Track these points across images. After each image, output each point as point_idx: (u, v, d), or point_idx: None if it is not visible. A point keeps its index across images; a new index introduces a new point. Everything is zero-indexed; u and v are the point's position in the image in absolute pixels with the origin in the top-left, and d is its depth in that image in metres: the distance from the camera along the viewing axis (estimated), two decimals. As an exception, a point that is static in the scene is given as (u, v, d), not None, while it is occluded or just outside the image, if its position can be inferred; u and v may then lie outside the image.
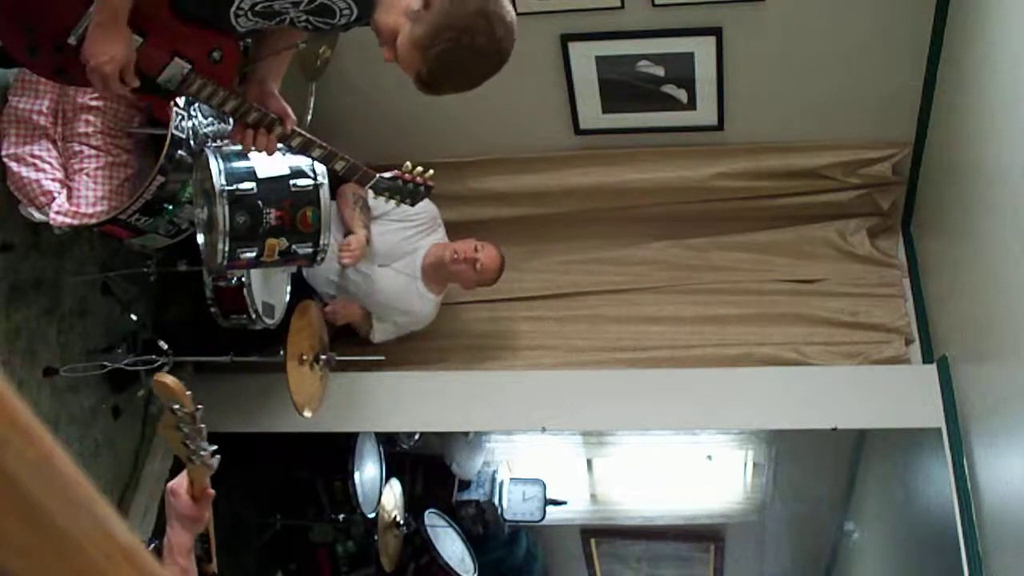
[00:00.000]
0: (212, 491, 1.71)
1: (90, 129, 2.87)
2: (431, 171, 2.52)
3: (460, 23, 1.82)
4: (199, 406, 1.58)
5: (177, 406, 1.56)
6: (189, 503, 1.68)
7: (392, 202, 2.56)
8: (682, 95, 3.75)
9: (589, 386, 3.68)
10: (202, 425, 1.60)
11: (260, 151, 2.23)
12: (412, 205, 2.59)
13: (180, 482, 1.70)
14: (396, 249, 3.65)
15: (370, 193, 3.66)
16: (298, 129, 2.21)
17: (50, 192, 2.80)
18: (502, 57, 1.91)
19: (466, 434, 4.69)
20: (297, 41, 2.17)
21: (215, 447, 1.66)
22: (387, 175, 2.53)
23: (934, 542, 3.46)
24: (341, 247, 3.42)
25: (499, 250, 3.64)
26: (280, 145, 2.63)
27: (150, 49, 1.95)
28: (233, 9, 1.90)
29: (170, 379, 1.55)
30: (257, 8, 1.91)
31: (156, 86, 2.01)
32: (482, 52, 1.85)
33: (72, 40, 1.92)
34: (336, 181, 2.97)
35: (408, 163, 2.55)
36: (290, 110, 2.19)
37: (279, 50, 2.17)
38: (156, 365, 3.20)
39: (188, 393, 1.56)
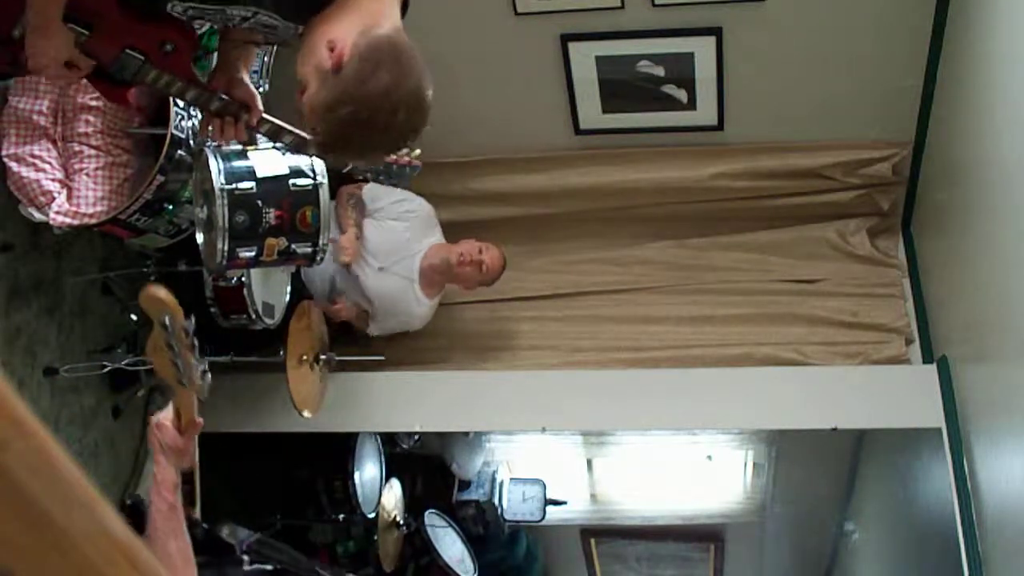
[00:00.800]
0: (200, 420, 1.65)
1: (90, 129, 2.87)
2: (417, 151, 2.47)
3: (362, 99, 1.73)
4: (191, 319, 1.49)
5: (168, 320, 1.46)
6: (175, 435, 1.63)
7: (386, 187, 2.48)
8: (682, 95, 3.74)
9: (589, 386, 3.68)
10: (195, 341, 1.51)
11: (230, 141, 2.19)
12: (398, 186, 2.54)
13: (166, 414, 1.64)
14: (393, 249, 3.65)
15: (366, 191, 3.70)
16: (266, 116, 2.16)
17: (50, 192, 2.80)
18: (405, 135, 1.87)
19: (466, 434, 4.68)
20: (257, 38, 2.12)
21: (204, 366, 1.58)
22: None
23: (934, 542, 3.45)
24: (337, 248, 3.44)
25: (501, 250, 3.65)
26: (279, 145, 2.64)
27: (100, 42, 1.93)
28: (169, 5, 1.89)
29: (162, 291, 1.45)
30: (189, 15, 1.90)
31: (110, 75, 2.00)
32: (377, 130, 1.79)
33: (16, 33, 1.92)
34: (336, 181, 2.97)
35: None
36: (258, 97, 2.13)
37: (242, 41, 2.14)
38: (156, 365, 3.19)
39: (180, 308, 1.47)
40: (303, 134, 2.19)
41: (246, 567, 1.74)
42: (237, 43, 2.14)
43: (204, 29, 2.18)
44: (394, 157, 2.44)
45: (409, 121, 1.82)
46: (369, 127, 1.77)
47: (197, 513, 1.78)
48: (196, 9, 1.86)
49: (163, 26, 1.94)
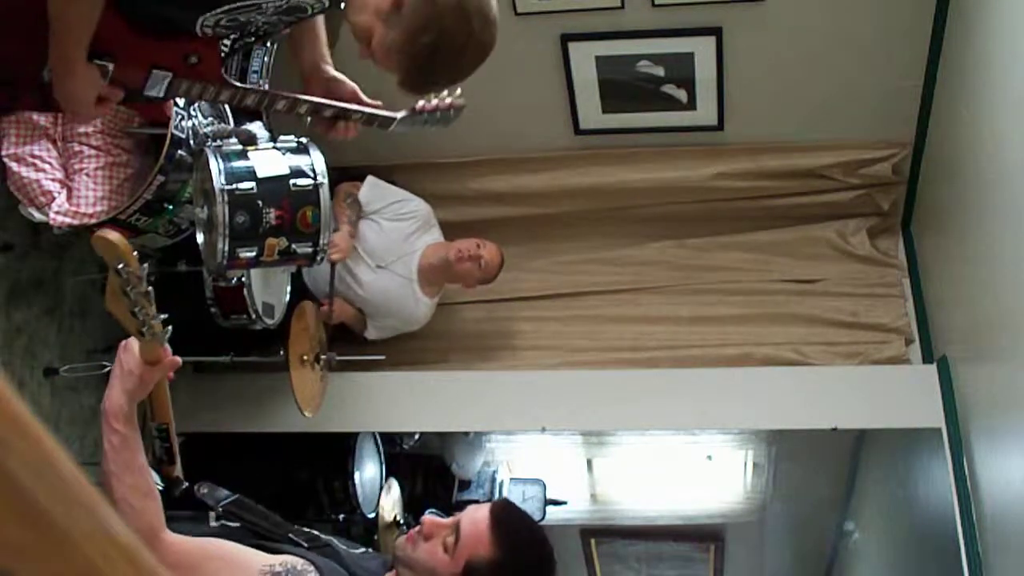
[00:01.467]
0: (175, 359, 1.60)
1: (90, 129, 2.87)
2: (458, 90, 2.33)
3: (436, 20, 1.71)
4: (145, 265, 1.46)
5: (122, 265, 1.43)
6: (135, 361, 1.57)
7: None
8: (682, 95, 3.74)
9: (589, 386, 3.68)
10: (150, 288, 1.47)
11: (340, 136, 2.17)
12: (446, 126, 2.45)
13: (134, 339, 1.58)
14: (392, 248, 3.64)
15: (363, 189, 3.69)
16: (357, 107, 2.13)
17: (50, 192, 2.80)
18: (484, 50, 1.83)
19: (466, 434, 4.68)
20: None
21: (165, 316, 1.53)
22: (403, 114, 2.39)
23: (934, 542, 3.45)
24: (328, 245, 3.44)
25: (498, 245, 3.66)
26: (280, 145, 2.64)
27: (126, 70, 1.94)
28: (199, 25, 1.88)
29: (113, 235, 1.42)
30: (222, 24, 1.90)
31: (145, 96, 2.01)
32: (458, 48, 1.76)
33: (47, 76, 1.91)
34: (334, 179, 2.96)
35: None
36: (358, 89, 2.12)
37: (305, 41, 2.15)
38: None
39: (135, 253, 1.44)
40: (343, 107, 2.17)
41: (212, 522, 1.70)
42: (298, 43, 2.12)
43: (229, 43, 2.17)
44: (436, 102, 2.36)
45: (485, 31, 1.78)
46: (451, 46, 1.75)
47: (179, 471, 1.74)
48: (230, 14, 1.84)
49: (180, 41, 1.95)
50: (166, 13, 1.88)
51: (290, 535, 1.68)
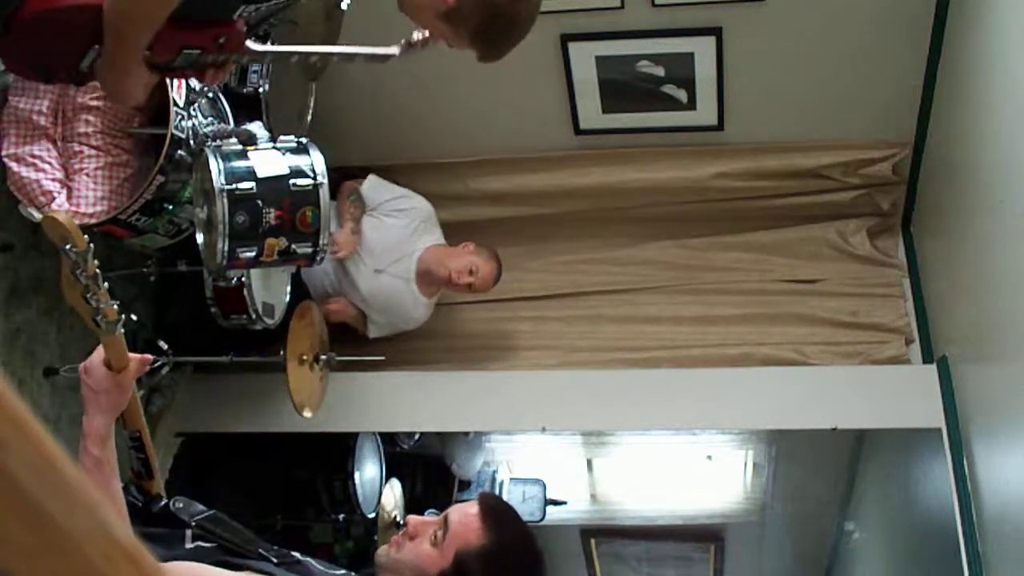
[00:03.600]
0: (145, 357, 1.57)
1: (90, 129, 2.87)
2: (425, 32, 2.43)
3: (492, 11, 1.86)
4: (91, 245, 1.45)
5: (68, 246, 1.42)
6: (103, 376, 1.55)
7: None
8: (682, 95, 3.74)
9: (589, 386, 3.68)
10: (98, 271, 1.46)
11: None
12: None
13: (94, 358, 1.57)
14: (392, 247, 3.65)
15: (365, 185, 3.69)
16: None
17: (50, 192, 2.80)
18: (536, 9, 2.00)
19: (466, 434, 4.68)
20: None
21: (117, 302, 1.52)
22: (398, 50, 2.38)
23: (934, 542, 3.46)
24: (332, 243, 3.45)
25: (495, 262, 3.64)
26: (280, 145, 2.64)
27: (158, 54, 1.96)
28: (239, 12, 1.91)
29: (60, 214, 1.41)
30: (261, 9, 1.93)
31: (173, 68, 2.03)
32: (518, 18, 1.94)
33: (84, 66, 1.94)
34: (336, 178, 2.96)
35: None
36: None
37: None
38: (156, 365, 3.20)
39: (85, 237, 1.43)
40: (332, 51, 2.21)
41: (187, 543, 1.69)
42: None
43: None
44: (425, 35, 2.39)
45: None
46: (512, 21, 1.93)
47: (159, 487, 1.73)
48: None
49: (216, 27, 1.97)
50: (212, 5, 1.92)
51: (260, 551, 1.65)
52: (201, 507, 1.74)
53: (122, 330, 1.54)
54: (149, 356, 1.61)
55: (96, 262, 1.47)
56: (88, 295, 1.47)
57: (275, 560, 1.62)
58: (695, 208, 4.01)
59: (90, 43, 1.88)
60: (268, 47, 2.14)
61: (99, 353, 1.58)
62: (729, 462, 5.49)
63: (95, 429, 1.56)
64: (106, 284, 1.48)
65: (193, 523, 1.68)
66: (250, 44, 2.07)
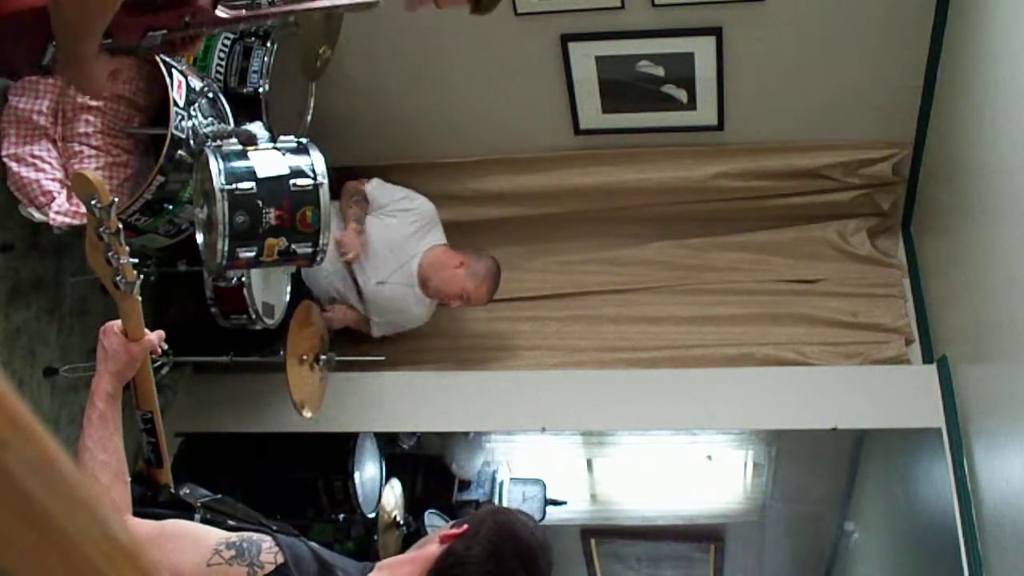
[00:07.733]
0: (151, 337, 1.63)
1: (90, 129, 2.87)
2: None
3: None
4: (115, 199, 1.53)
5: (94, 201, 1.49)
6: (119, 340, 1.62)
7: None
8: (682, 95, 3.74)
9: (589, 386, 3.68)
10: (120, 227, 1.54)
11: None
12: None
13: (115, 322, 1.64)
14: (393, 249, 3.65)
15: (371, 186, 3.70)
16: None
17: (50, 192, 2.80)
18: None
19: (466, 434, 4.68)
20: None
21: (136, 260, 1.59)
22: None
23: (934, 542, 3.45)
24: (338, 245, 3.46)
25: (488, 283, 3.65)
26: (280, 146, 2.64)
27: (119, 38, 1.95)
28: None
29: (90, 172, 1.49)
30: None
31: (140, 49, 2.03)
32: None
33: (46, 62, 1.94)
34: (337, 181, 2.96)
35: None
36: None
37: None
38: (156, 365, 3.19)
39: (114, 201, 1.51)
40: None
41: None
42: None
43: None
44: None
45: None
46: None
47: (168, 477, 1.77)
48: None
49: (178, 8, 1.96)
50: None
51: (262, 522, 1.70)
52: (205, 491, 1.78)
53: (139, 297, 1.62)
54: (162, 334, 1.66)
55: (117, 220, 1.54)
56: (110, 255, 1.53)
57: (275, 528, 1.67)
58: (695, 208, 4.01)
59: (46, 40, 1.88)
60: (241, 12, 2.11)
61: (119, 321, 1.64)
62: (729, 462, 5.48)
63: (102, 387, 1.63)
64: (121, 228, 1.55)
65: (199, 505, 1.72)
66: (220, 12, 2.06)
